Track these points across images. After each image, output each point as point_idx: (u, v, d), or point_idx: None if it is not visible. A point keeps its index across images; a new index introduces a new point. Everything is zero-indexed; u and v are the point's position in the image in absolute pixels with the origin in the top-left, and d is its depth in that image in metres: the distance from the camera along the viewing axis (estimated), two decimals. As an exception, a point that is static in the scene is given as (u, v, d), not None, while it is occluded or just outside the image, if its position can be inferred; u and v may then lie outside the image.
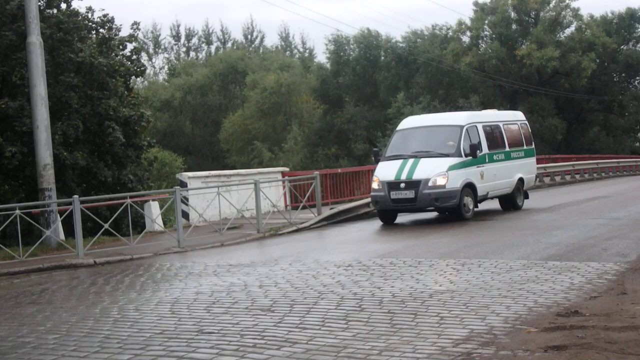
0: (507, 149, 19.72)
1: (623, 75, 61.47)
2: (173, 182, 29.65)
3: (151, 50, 76.28)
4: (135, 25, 24.93)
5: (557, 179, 34.48)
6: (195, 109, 64.67)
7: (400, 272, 10.83)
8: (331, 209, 20.50)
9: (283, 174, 24.92)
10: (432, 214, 19.09)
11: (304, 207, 19.78)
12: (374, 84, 60.70)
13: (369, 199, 19.83)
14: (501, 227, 16.42)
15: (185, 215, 19.53)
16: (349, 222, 19.47)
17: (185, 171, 30.99)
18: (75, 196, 15.68)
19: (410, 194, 17.32)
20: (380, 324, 7.72)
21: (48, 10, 21.15)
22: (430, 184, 17.24)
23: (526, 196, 20.63)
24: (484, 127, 18.97)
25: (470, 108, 47.13)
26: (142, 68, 25.46)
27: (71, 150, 20.38)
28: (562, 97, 57.17)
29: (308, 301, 9.07)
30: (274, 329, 7.78)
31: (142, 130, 23.77)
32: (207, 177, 22.12)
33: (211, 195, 19.13)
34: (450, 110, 44.43)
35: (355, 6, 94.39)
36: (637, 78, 62.15)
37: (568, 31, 58.89)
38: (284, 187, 22.83)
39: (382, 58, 60.94)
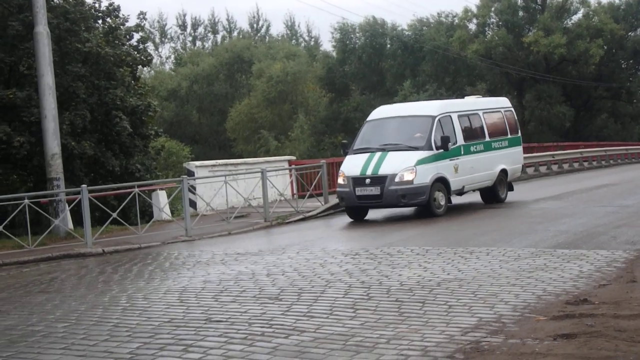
0: (487, 139, 18.55)
1: (631, 62, 61.12)
2: (180, 171, 29.71)
3: (157, 40, 76.41)
4: (142, 15, 25.18)
5: (565, 166, 34.39)
6: (202, 98, 64.71)
7: (408, 260, 10.83)
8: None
9: (290, 162, 24.90)
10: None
11: (311, 196, 19.79)
12: (380, 72, 60.56)
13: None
14: (509, 215, 16.39)
15: (193, 204, 19.57)
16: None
17: (192, 160, 31.01)
18: (84, 185, 15.72)
19: (375, 190, 16.35)
20: (388, 313, 7.72)
21: (54, 0, 21.14)
22: (397, 179, 16.23)
23: (510, 188, 19.55)
24: (459, 116, 17.82)
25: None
26: (149, 57, 25.49)
27: (79, 140, 20.41)
28: (569, 85, 56.92)
29: (316, 289, 9.08)
30: (281, 317, 7.79)
31: (150, 120, 23.81)
32: (214, 166, 22.15)
33: (218, 184, 19.15)
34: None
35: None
36: (645, 65, 61.87)
37: (575, 18, 58.63)
38: (290, 175, 22.84)
39: (388, 46, 60.77)
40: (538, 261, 10.12)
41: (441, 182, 16.78)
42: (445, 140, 16.82)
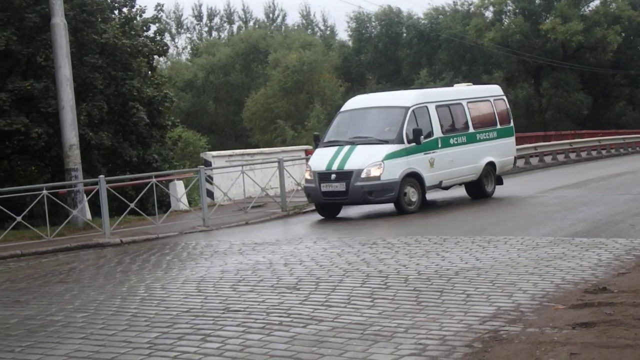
0: (472, 130, 17.39)
1: (649, 49, 60.59)
2: (197, 161, 29.79)
3: (174, 31, 76.53)
4: (160, 7, 25.32)
5: (583, 154, 34.18)
6: (218, 89, 64.80)
7: (425, 249, 10.81)
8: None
9: (306, 152, 24.87)
10: (450, 194, 18.75)
11: (328, 185, 19.72)
12: (396, 61, 60.37)
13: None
14: (526, 204, 16.30)
15: (210, 194, 19.62)
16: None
17: (209, 150, 31.06)
18: (101, 176, 15.81)
19: (341, 186, 15.45)
20: (406, 302, 7.71)
21: (71, -9, 21.20)
22: (363, 175, 15.31)
23: (499, 182, 18.35)
24: (437, 107, 16.69)
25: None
26: (165, 47, 25.57)
27: (96, 131, 20.52)
28: (587, 72, 56.50)
29: (333, 279, 9.08)
30: (299, 306, 7.80)
31: (166, 110, 23.89)
32: (231, 156, 22.20)
33: (235, 174, 19.19)
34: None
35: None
36: (664, 52, 61.25)
37: (593, 5, 58.20)
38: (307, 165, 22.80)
39: (404, 35, 60.55)
40: (556, 250, 10.07)
41: (414, 178, 15.78)
42: (417, 133, 15.71)
